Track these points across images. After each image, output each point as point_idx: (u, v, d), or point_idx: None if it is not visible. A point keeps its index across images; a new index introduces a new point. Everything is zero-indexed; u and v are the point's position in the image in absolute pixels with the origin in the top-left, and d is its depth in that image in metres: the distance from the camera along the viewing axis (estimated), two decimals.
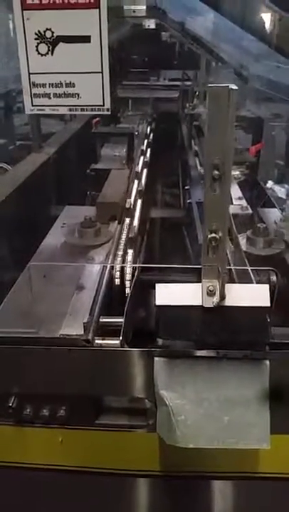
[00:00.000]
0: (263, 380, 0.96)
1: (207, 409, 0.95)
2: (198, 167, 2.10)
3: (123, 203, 1.60)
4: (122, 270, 1.22)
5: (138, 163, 2.09)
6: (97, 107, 0.81)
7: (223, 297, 0.91)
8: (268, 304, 0.91)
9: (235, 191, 1.77)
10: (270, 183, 2.22)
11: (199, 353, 0.96)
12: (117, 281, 1.21)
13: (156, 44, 3.98)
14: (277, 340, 1.00)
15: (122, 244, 1.38)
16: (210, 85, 0.75)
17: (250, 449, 0.99)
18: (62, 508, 1.20)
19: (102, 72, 0.76)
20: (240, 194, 1.74)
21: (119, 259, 1.31)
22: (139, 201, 1.70)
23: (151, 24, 3.55)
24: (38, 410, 1.06)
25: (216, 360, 0.96)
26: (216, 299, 0.90)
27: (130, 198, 1.65)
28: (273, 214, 1.69)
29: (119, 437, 1.10)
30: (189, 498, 1.17)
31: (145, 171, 2.06)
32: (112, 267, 1.26)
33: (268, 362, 0.96)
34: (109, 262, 1.30)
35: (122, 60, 3.97)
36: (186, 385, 0.96)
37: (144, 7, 2.94)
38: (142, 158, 2.17)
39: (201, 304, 0.91)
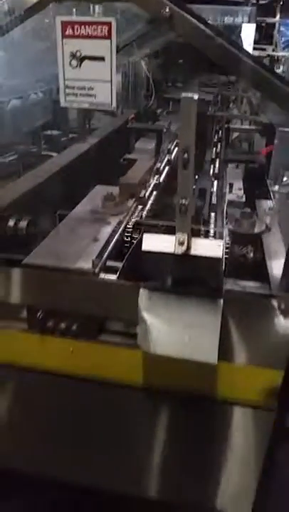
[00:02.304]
0: (216, 313, 1.29)
1: (174, 328, 1.30)
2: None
3: (141, 185, 1.97)
4: (127, 230, 1.60)
5: (162, 159, 2.46)
6: (106, 105, 1.17)
7: (189, 247, 1.25)
8: (220, 256, 1.24)
9: (237, 184, 2.09)
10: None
11: (171, 287, 1.31)
12: (123, 236, 1.59)
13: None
14: (233, 289, 1.34)
15: (135, 214, 1.76)
16: (183, 94, 1.10)
17: (210, 374, 1.34)
18: (68, 407, 1.59)
19: (111, 82, 1.13)
20: (240, 186, 2.06)
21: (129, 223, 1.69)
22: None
23: None
24: (57, 324, 1.45)
25: (183, 293, 1.31)
26: (183, 248, 1.25)
27: (146, 190, 2.00)
28: (268, 204, 2.01)
29: (115, 352, 1.47)
30: (164, 408, 1.53)
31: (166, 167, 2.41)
32: (123, 230, 1.64)
33: (221, 300, 1.30)
34: (122, 225, 1.67)
35: (168, 64, 4.33)
36: (160, 309, 1.32)
37: None
38: (167, 154, 2.52)
39: (173, 251, 1.26)
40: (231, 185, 2.07)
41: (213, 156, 2.74)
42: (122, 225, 1.68)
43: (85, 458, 1.65)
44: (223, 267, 1.29)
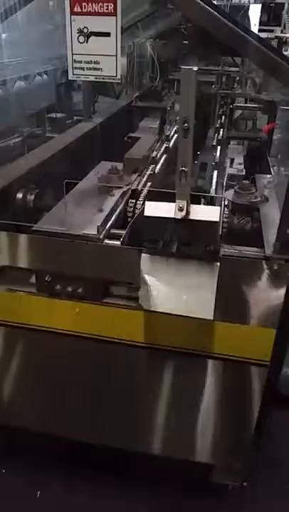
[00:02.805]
0: (212, 275, 1.40)
1: (172, 288, 1.41)
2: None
3: (144, 160, 2.05)
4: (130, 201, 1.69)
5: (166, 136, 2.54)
6: (112, 77, 1.26)
7: (188, 213, 1.35)
8: (217, 219, 1.34)
9: (238, 159, 2.18)
10: None
11: (171, 251, 1.41)
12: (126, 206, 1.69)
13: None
14: (229, 253, 1.44)
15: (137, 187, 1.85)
16: (182, 67, 1.18)
17: (207, 332, 1.45)
18: (73, 363, 1.71)
19: (116, 56, 1.21)
20: (241, 161, 2.15)
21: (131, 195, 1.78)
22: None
23: None
24: (64, 287, 1.56)
25: (182, 257, 1.41)
26: (183, 213, 1.35)
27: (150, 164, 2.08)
28: (267, 178, 2.09)
29: (117, 313, 1.57)
30: (162, 365, 1.64)
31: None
32: (126, 200, 1.73)
33: (218, 263, 1.40)
34: (125, 197, 1.77)
35: (173, 46, 4.36)
36: (161, 271, 1.42)
37: None
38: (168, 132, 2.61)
39: (173, 216, 1.36)
40: (232, 161, 2.15)
41: (216, 133, 2.82)
42: (126, 196, 1.77)
43: (86, 412, 1.78)
44: (220, 232, 1.38)
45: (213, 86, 3.31)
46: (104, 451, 1.87)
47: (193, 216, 1.35)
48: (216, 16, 1.32)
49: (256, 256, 1.43)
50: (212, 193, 1.84)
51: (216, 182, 1.94)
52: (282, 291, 1.42)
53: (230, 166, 2.09)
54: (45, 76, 5.33)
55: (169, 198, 1.39)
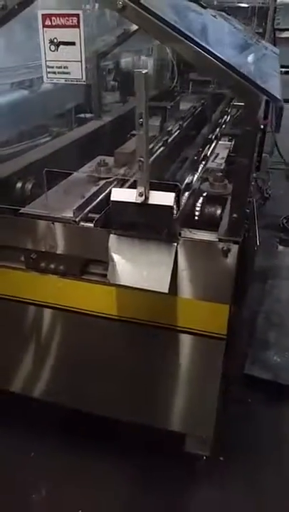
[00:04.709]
0: (169, 254, 1.58)
1: (135, 265, 1.60)
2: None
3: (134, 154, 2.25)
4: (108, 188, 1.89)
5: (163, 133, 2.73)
6: (78, 80, 1.47)
7: (147, 198, 1.54)
8: (171, 204, 1.52)
9: (222, 154, 2.34)
10: None
11: (134, 233, 1.60)
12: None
13: None
14: (187, 235, 1.62)
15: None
16: (135, 70, 1.37)
17: (170, 306, 1.64)
18: (55, 333, 1.93)
19: (81, 61, 1.43)
20: (224, 156, 2.30)
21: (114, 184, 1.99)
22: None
23: None
24: (48, 264, 1.78)
25: (143, 238, 1.59)
26: (142, 198, 1.54)
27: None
28: None
29: (93, 288, 1.78)
30: (131, 335, 1.83)
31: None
32: (109, 190, 1.94)
33: (175, 244, 1.58)
34: (110, 186, 1.97)
35: None
36: (126, 250, 1.61)
37: None
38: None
39: (134, 200, 1.55)
40: (216, 156, 2.31)
41: (207, 130, 2.97)
42: (108, 186, 1.98)
43: (64, 377, 1.99)
44: (178, 216, 1.57)
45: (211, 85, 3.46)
46: (88, 418, 2.08)
47: (151, 201, 1.54)
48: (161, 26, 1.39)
49: (209, 238, 1.59)
50: (185, 182, 2.02)
51: (194, 174, 2.11)
52: (233, 270, 1.58)
53: (213, 161, 2.25)
54: None
55: (158, 187, 1.56)
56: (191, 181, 2.04)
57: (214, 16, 2.76)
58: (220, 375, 1.78)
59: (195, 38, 1.31)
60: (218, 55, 1.30)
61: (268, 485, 2.13)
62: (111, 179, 2.05)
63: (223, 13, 3.97)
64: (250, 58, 1.97)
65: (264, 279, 3.60)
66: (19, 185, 2.09)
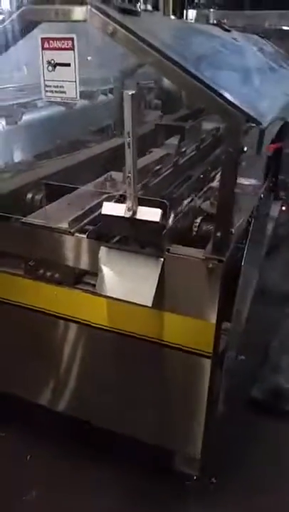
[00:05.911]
0: (155, 269, 1.61)
1: (122, 277, 1.64)
2: None
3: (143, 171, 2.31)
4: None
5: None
6: (73, 98, 1.55)
7: (135, 213, 1.58)
8: (157, 220, 1.55)
9: None
10: None
11: (123, 246, 1.65)
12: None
13: None
14: (174, 251, 1.64)
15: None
16: (124, 91, 1.43)
17: (156, 321, 1.67)
18: (50, 339, 1.99)
19: (75, 81, 1.52)
20: None
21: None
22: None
23: None
24: (45, 272, 1.86)
25: (132, 251, 1.64)
26: (130, 213, 1.58)
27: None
28: None
29: (86, 297, 1.83)
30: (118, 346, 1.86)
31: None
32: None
33: (161, 259, 1.61)
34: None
35: None
36: (115, 262, 1.66)
37: None
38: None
39: (123, 215, 1.60)
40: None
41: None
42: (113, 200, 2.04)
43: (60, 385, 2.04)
44: (166, 232, 1.60)
45: None
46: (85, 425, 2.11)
47: (139, 216, 1.58)
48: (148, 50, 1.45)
49: (196, 256, 1.61)
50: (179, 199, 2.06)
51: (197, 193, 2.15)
52: (217, 288, 1.59)
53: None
54: (110, 95, 5.77)
55: (148, 203, 1.61)
56: (192, 199, 2.07)
57: (235, 39, 2.80)
58: (206, 394, 1.77)
59: (179, 60, 1.36)
60: (199, 76, 1.34)
61: None
62: (112, 194, 2.11)
63: (255, 36, 4.01)
64: (256, 81, 1.99)
65: (284, 303, 3.54)
66: (29, 196, 2.20)
